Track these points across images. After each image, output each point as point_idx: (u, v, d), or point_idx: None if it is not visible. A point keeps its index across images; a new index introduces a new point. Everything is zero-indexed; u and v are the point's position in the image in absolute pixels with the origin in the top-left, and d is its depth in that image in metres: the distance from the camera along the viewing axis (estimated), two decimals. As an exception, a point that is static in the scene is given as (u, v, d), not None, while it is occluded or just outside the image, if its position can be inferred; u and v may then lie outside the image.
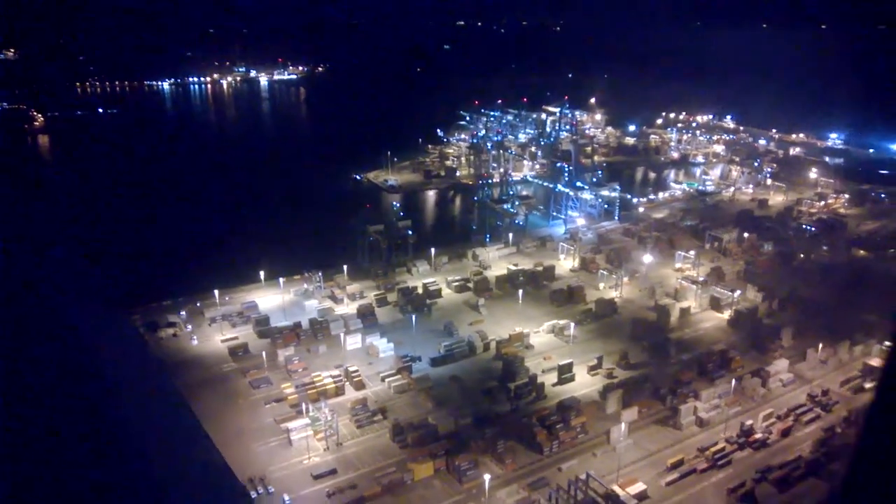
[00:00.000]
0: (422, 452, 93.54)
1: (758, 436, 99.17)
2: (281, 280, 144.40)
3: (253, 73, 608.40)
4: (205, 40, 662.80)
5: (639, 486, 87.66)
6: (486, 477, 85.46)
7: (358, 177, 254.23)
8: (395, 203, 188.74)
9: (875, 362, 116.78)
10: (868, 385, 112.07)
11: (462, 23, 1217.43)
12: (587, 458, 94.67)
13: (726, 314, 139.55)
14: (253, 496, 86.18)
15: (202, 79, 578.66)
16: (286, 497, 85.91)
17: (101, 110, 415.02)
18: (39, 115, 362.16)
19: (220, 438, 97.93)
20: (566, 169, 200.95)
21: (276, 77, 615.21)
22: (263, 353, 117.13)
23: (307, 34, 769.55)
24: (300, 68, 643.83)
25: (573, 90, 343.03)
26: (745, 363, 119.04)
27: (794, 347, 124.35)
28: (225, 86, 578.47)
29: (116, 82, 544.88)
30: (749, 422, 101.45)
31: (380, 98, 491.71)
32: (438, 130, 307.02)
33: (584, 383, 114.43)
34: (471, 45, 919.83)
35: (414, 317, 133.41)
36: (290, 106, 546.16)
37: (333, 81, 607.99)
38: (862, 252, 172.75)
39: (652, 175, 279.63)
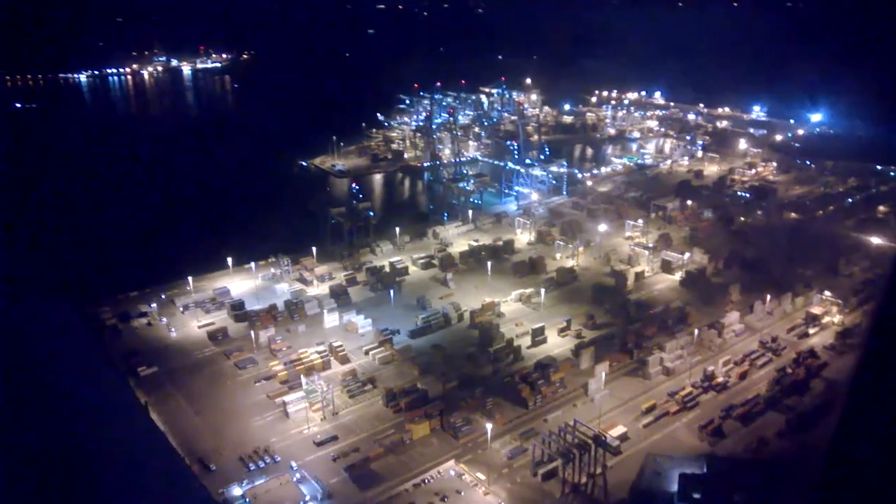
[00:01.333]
0: (417, 414, 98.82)
1: (719, 380, 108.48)
2: (253, 264, 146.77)
3: (174, 63, 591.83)
4: (120, 30, 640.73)
5: (620, 429, 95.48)
6: (489, 426, 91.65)
7: (304, 163, 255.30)
8: (354, 186, 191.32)
9: (816, 310, 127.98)
10: (811, 331, 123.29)
11: (382, 6, 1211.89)
12: (569, 409, 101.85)
13: (677, 276, 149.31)
14: (261, 466, 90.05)
15: (121, 70, 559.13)
16: (294, 464, 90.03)
17: (18, 105, 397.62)
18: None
19: (215, 418, 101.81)
20: (515, 147, 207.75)
21: (199, 66, 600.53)
22: (252, 333, 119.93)
23: (228, 21, 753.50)
24: (224, 56, 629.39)
25: (505, 72, 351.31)
26: (700, 317, 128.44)
27: (742, 302, 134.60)
28: (146, 76, 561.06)
29: (28, 76, 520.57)
30: (710, 368, 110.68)
31: (310, 84, 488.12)
32: (379, 115, 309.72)
33: (556, 344, 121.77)
34: (394, 28, 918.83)
35: (392, 292, 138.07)
36: (218, 95, 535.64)
37: (259, 69, 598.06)
38: (793, 215, 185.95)
39: (590, 151, 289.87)
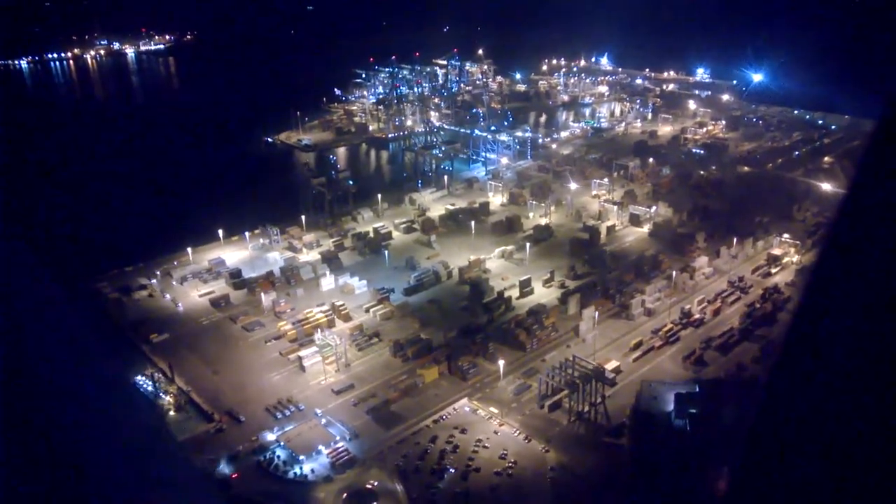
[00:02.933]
0: (425, 361, 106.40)
1: (696, 317, 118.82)
2: (247, 234, 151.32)
3: (117, 46, 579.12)
4: (59, 14, 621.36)
5: (613, 363, 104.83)
6: (501, 362, 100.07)
7: (270, 139, 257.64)
8: (331, 158, 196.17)
9: (776, 251, 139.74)
10: (773, 270, 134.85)
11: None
12: (563, 350, 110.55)
13: (645, 228, 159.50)
14: (287, 414, 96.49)
15: (62, 54, 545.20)
16: (318, 411, 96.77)
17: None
18: None
19: (233, 376, 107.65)
20: (481, 115, 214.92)
21: (142, 49, 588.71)
22: (264, 296, 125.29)
23: (168, 2, 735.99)
24: (167, 38, 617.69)
25: (452, 44, 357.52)
26: (672, 264, 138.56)
27: (708, 248, 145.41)
28: (89, 60, 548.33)
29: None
30: (687, 307, 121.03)
31: (257, 63, 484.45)
32: (336, 90, 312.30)
33: (542, 294, 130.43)
34: (333, 3, 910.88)
35: (387, 253, 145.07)
36: (165, 77, 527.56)
37: (203, 50, 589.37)
38: (746, 168, 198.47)
39: (544, 118, 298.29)
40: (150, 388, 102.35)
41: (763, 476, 5.62)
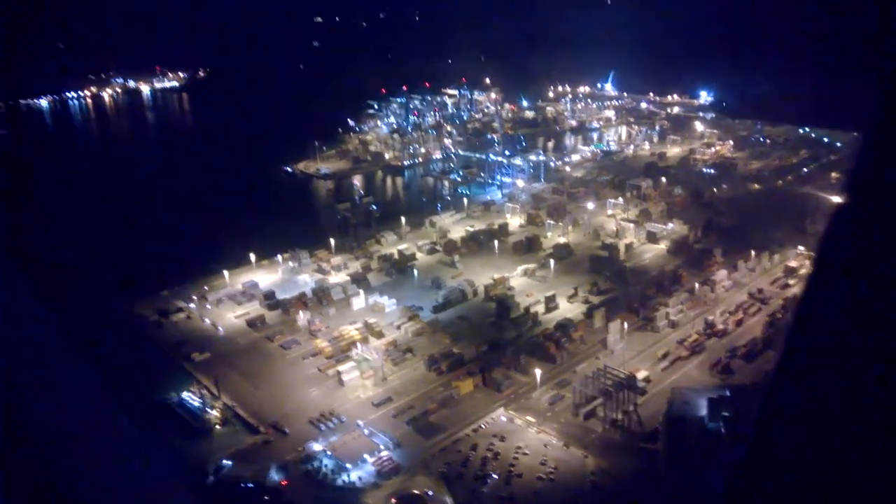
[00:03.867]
0: (459, 374, 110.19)
1: (719, 327, 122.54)
2: (280, 257, 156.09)
3: (132, 84, 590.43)
4: (75, 54, 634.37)
5: (643, 373, 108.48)
6: (538, 371, 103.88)
7: (289, 168, 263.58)
8: (354, 184, 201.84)
9: (792, 263, 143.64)
10: (791, 282, 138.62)
11: (320, 19, 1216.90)
12: (592, 362, 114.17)
13: (663, 245, 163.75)
14: (330, 426, 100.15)
15: (80, 93, 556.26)
16: (360, 422, 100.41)
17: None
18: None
19: (274, 392, 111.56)
20: (495, 140, 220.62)
21: (157, 86, 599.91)
22: (300, 314, 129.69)
23: (181, 41, 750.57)
24: (180, 75, 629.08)
25: (457, 74, 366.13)
26: (691, 278, 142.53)
27: (725, 262, 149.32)
28: (106, 98, 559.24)
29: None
30: (710, 318, 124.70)
31: (269, 97, 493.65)
32: (349, 120, 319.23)
33: (567, 309, 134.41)
34: (337, 39, 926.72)
35: (416, 272, 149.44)
36: (179, 112, 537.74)
37: (217, 85, 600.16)
38: (756, 185, 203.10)
39: (552, 143, 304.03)
40: (197, 404, 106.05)
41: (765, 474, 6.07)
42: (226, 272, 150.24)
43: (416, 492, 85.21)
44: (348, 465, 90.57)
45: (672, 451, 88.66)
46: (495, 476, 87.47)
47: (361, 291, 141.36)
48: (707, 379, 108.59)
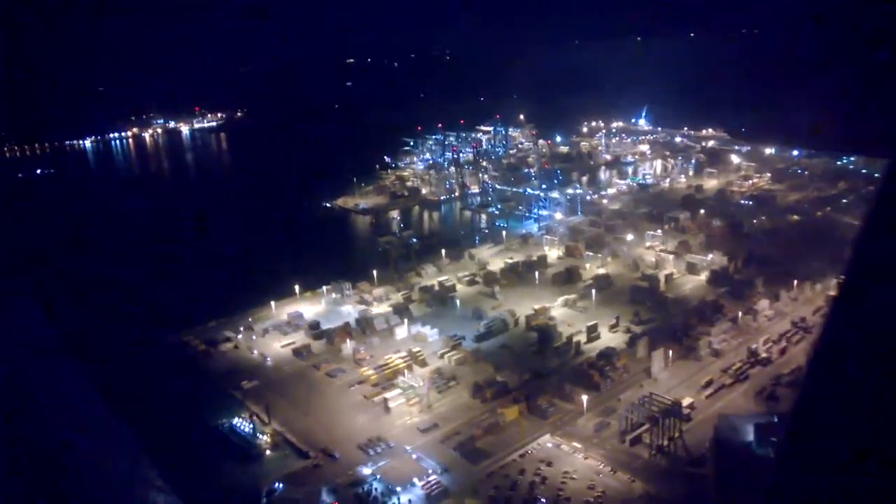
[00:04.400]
0: (504, 402, 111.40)
1: (763, 355, 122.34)
2: (324, 288, 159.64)
3: (172, 124, 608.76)
4: (120, 96, 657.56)
5: (687, 400, 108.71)
6: (585, 398, 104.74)
7: (328, 204, 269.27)
8: (395, 218, 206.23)
9: (834, 293, 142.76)
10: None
11: (352, 60, 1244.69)
12: (636, 390, 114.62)
13: (703, 275, 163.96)
14: (378, 451, 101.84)
15: (122, 133, 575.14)
16: (407, 447, 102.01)
17: (38, 171, 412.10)
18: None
19: (322, 418, 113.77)
20: (532, 174, 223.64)
21: (196, 126, 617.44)
22: (348, 342, 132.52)
23: (219, 83, 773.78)
24: (218, 115, 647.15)
25: (488, 111, 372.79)
26: (733, 308, 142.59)
27: (767, 292, 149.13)
28: (147, 138, 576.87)
29: (36, 145, 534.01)
30: (753, 346, 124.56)
31: (306, 135, 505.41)
32: (386, 157, 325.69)
33: (609, 339, 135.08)
34: (370, 79, 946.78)
35: (458, 302, 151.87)
36: (217, 151, 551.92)
37: (254, 125, 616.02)
38: (795, 217, 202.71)
39: (586, 177, 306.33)
40: (247, 430, 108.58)
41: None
42: (273, 303, 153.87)
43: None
44: (398, 489, 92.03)
45: (721, 476, 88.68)
46: (543, 500, 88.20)
47: (405, 321, 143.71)
48: (752, 406, 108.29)
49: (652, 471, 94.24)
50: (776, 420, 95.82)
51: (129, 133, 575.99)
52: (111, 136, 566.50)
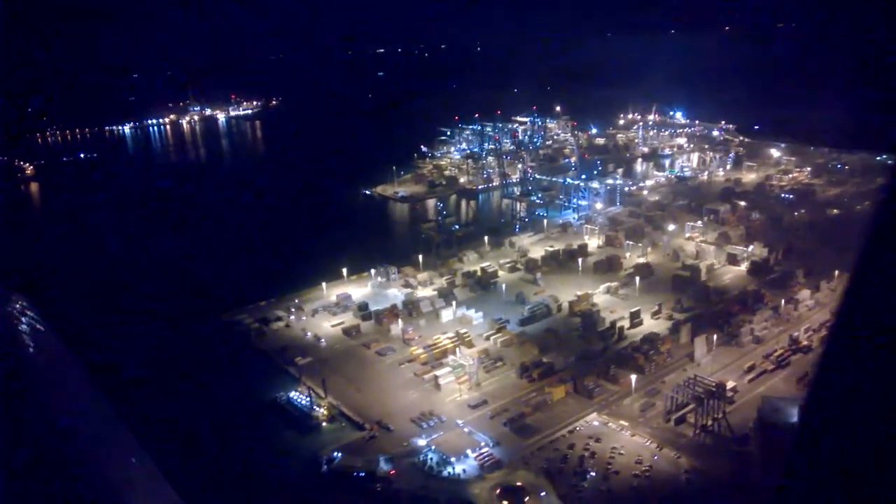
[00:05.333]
0: (550, 382, 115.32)
1: (804, 343, 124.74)
2: (373, 271, 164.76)
3: (209, 112, 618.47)
4: (158, 82, 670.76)
5: (730, 384, 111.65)
6: (633, 377, 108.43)
7: (368, 191, 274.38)
8: (438, 205, 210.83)
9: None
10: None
11: (382, 50, 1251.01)
12: (680, 373, 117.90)
13: (743, 266, 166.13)
14: (431, 424, 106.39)
15: (160, 120, 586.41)
16: (459, 421, 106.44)
17: (82, 155, 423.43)
18: (28, 165, 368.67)
19: (375, 394, 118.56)
20: (572, 164, 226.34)
21: (232, 113, 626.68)
22: (400, 323, 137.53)
23: (255, 72, 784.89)
24: (254, 103, 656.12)
25: (522, 103, 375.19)
26: (773, 298, 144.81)
27: (807, 283, 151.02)
28: (185, 125, 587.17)
29: (77, 129, 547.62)
30: (795, 334, 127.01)
31: (342, 122, 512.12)
32: (423, 146, 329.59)
33: (651, 325, 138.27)
34: (401, 69, 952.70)
35: (504, 287, 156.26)
36: (252, 138, 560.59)
37: (289, 113, 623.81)
38: (835, 211, 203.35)
39: (622, 169, 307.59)
40: (304, 402, 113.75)
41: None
42: (324, 284, 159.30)
43: (518, 484, 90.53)
44: (452, 459, 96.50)
45: (766, 455, 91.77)
46: (593, 473, 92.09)
47: (453, 304, 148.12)
48: (794, 391, 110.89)
49: (697, 448, 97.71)
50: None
51: (167, 119, 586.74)
52: (149, 122, 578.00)
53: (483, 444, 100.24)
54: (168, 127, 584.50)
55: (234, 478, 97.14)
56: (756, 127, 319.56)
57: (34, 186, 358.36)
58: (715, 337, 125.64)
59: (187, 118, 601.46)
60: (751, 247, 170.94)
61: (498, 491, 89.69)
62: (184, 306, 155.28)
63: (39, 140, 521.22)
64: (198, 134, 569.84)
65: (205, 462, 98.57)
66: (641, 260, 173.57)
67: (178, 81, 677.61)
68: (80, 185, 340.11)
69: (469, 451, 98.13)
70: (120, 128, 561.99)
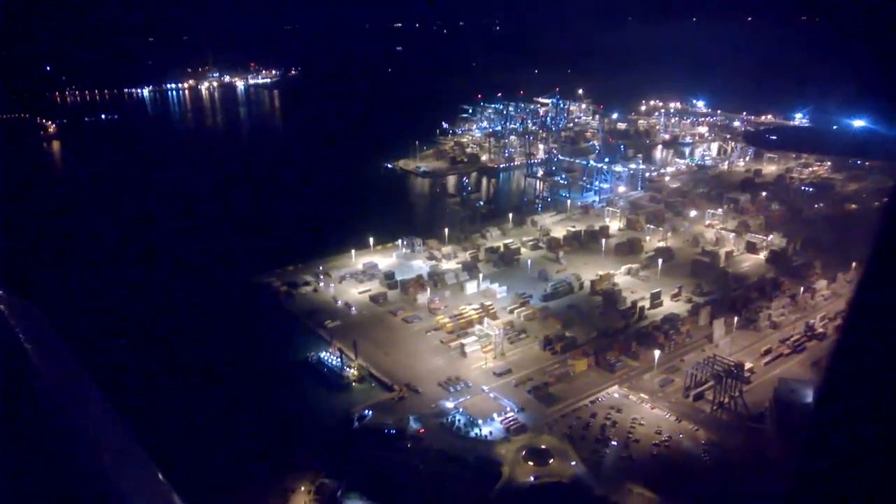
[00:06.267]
0: (574, 354, 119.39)
1: (819, 330, 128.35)
2: (400, 241, 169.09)
3: (227, 79, 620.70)
4: (177, 48, 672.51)
5: (747, 365, 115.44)
6: (657, 353, 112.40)
7: (389, 165, 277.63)
8: (465, 180, 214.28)
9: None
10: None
11: (399, 24, 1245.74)
12: (698, 353, 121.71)
13: (761, 255, 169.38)
14: (458, 388, 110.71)
15: (179, 84, 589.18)
16: (485, 387, 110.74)
17: (103, 116, 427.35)
18: (51, 123, 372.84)
19: (402, 358, 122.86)
20: (596, 147, 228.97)
21: (250, 81, 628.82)
22: (428, 291, 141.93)
23: (274, 41, 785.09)
24: (273, 72, 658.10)
25: (551, 84, 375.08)
26: (791, 286, 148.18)
27: (824, 274, 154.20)
28: (203, 91, 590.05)
29: (96, 91, 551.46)
30: (811, 321, 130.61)
31: (362, 96, 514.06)
32: (444, 123, 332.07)
33: (671, 306, 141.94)
34: (419, 45, 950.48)
35: (529, 262, 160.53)
36: (270, 108, 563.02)
37: (307, 83, 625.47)
38: (853, 206, 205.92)
39: (642, 155, 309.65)
40: (335, 362, 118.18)
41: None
42: (353, 252, 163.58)
43: (543, 447, 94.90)
44: (479, 422, 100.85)
45: (782, 432, 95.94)
46: (615, 442, 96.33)
47: (479, 278, 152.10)
48: (808, 375, 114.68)
49: (714, 423, 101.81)
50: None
51: (186, 84, 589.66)
52: (168, 86, 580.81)
53: (508, 409, 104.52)
54: (187, 92, 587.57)
55: (271, 429, 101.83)
56: (773, 138, 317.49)
57: (56, 144, 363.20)
58: (736, 319, 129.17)
59: (206, 84, 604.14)
60: (770, 236, 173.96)
61: (524, 452, 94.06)
62: (213, 268, 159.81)
63: (58, 99, 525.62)
64: (216, 100, 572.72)
65: (242, 414, 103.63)
66: (661, 244, 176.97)
67: (198, 47, 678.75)
68: (105, 146, 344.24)
69: (495, 415, 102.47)
70: (139, 91, 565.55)
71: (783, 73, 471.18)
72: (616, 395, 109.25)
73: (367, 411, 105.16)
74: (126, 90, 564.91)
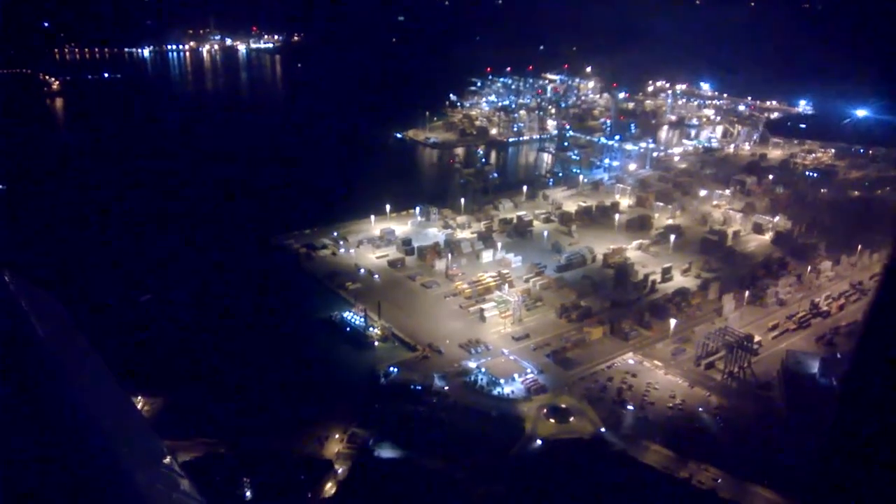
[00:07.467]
0: (589, 322, 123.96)
1: (824, 309, 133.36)
2: (417, 209, 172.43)
3: (229, 42, 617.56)
4: (178, 8, 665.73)
5: (756, 338, 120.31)
6: (672, 321, 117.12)
7: (399, 135, 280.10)
8: (479, 151, 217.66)
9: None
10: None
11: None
12: (708, 326, 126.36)
13: (767, 235, 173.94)
14: (479, 350, 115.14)
15: (180, 46, 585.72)
16: (505, 350, 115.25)
17: (106, 75, 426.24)
18: (54, 80, 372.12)
19: (422, 321, 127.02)
20: (607, 125, 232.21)
21: (253, 46, 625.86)
22: (448, 258, 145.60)
23: (276, 5, 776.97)
24: (275, 37, 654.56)
25: (558, 61, 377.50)
26: (796, 267, 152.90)
27: (828, 256, 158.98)
28: (204, 53, 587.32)
29: (95, 49, 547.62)
30: (816, 300, 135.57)
31: (365, 64, 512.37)
32: (452, 95, 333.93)
33: (681, 281, 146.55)
34: (422, 16, 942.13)
35: (546, 233, 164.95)
36: (272, 73, 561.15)
37: (309, 51, 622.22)
38: (856, 192, 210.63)
39: (649, 134, 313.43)
40: (359, 322, 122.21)
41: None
42: (372, 217, 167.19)
43: (563, 406, 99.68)
44: (501, 381, 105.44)
45: (789, 400, 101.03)
46: (631, 406, 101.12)
47: (496, 247, 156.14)
48: (813, 349, 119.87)
49: (725, 390, 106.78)
50: (839, 357, 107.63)
51: (187, 46, 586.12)
52: (168, 47, 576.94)
53: (529, 370, 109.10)
54: (188, 54, 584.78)
55: (300, 384, 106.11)
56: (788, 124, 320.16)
57: (59, 101, 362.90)
58: (746, 294, 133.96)
59: (207, 46, 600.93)
60: (776, 217, 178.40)
61: (545, 410, 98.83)
62: (232, 230, 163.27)
63: (57, 56, 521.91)
64: (218, 63, 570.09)
65: (272, 369, 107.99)
66: (671, 221, 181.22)
67: (199, 8, 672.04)
68: (110, 105, 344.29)
69: (516, 376, 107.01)
70: (139, 50, 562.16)
71: (788, 59, 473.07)
72: (631, 362, 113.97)
73: (392, 368, 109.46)
74: (126, 49, 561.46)
